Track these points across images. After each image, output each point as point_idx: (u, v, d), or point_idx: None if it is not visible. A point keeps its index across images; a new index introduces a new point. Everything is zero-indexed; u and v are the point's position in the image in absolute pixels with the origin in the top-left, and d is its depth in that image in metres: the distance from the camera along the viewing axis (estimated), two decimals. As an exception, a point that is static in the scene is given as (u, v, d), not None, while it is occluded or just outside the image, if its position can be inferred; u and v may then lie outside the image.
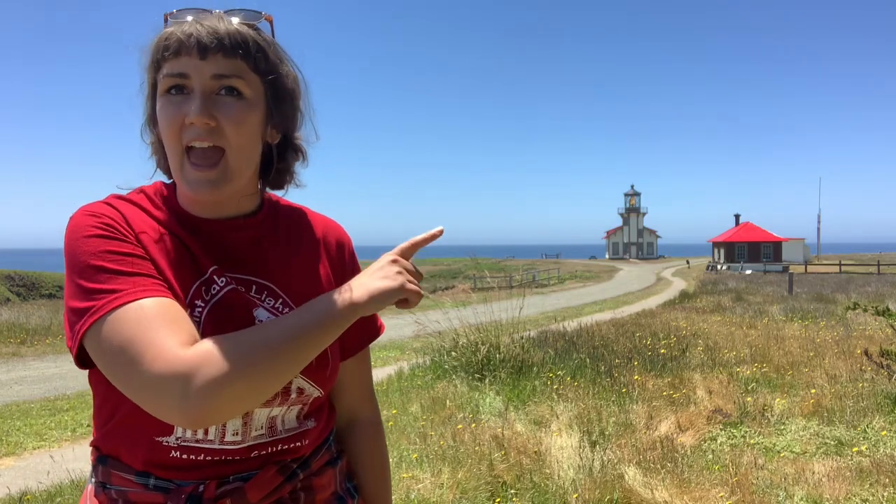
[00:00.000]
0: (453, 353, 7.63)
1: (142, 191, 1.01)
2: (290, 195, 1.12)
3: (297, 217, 1.11)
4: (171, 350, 0.79)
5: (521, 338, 8.13)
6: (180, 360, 0.78)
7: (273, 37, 0.99)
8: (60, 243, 0.94)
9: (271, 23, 0.99)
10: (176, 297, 0.90)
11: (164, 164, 1.02)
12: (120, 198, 0.98)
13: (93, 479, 0.99)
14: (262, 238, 1.04)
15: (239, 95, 0.93)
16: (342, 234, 1.14)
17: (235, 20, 0.94)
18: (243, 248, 1.01)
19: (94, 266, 0.86)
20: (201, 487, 0.93)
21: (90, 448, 1.01)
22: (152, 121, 0.99)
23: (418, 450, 4.54)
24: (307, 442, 1.03)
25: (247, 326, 0.88)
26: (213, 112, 0.91)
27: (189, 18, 0.93)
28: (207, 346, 0.80)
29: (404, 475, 4.01)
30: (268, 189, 1.09)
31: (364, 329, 1.14)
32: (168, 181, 1.04)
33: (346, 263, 1.12)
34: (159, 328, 0.81)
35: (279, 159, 1.04)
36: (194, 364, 0.78)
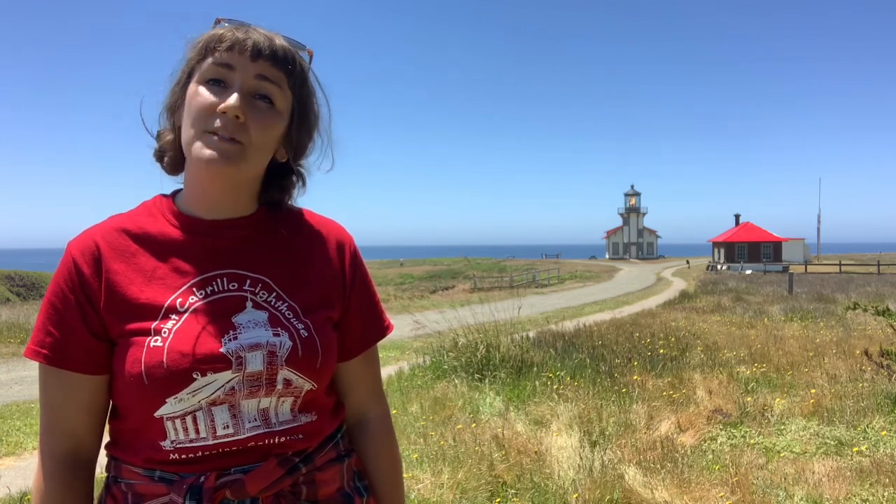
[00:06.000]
0: (453, 354, 7.63)
1: (143, 204, 1.08)
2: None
3: (296, 217, 1.13)
4: (39, 462, 1.02)
5: (521, 338, 8.13)
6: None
7: (310, 67, 1.06)
8: (60, 243, 1.05)
9: (311, 57, 1.06)
10: (147, 307, 0.98)
11: (171, 157, 1.07)
12: (107, 225, 1.04)
13: (107, 474, 1.05)
14: (258, 235, 1.08)
15: (272, 104, 1.00)
16: (342, 234, 1.16)
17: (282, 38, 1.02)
18: (239, 244, 1.06)
19: (43, 308, 1.02)
20: (202, 478, 0.96)
21: (104, 448, 1.08)
22: (174, 108, 1.04)
23: (418, 450, 4.54)
24: (305, 436, 1.04)
25: (222, 335, 0.97)
26: (245, 109, 0.97)
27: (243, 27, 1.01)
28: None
29: (405, 475, 4.00)
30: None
31: (369, 328, 1.16)
32: (167, 193, 1.10)
33: (346, 262, 1.14)
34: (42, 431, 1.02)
35: (282, 179, 1.10)
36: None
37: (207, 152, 0.97)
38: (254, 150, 0.99)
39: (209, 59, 0.99)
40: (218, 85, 0.98)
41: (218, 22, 1.02)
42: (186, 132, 0.99)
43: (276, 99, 1.00)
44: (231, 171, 0.99)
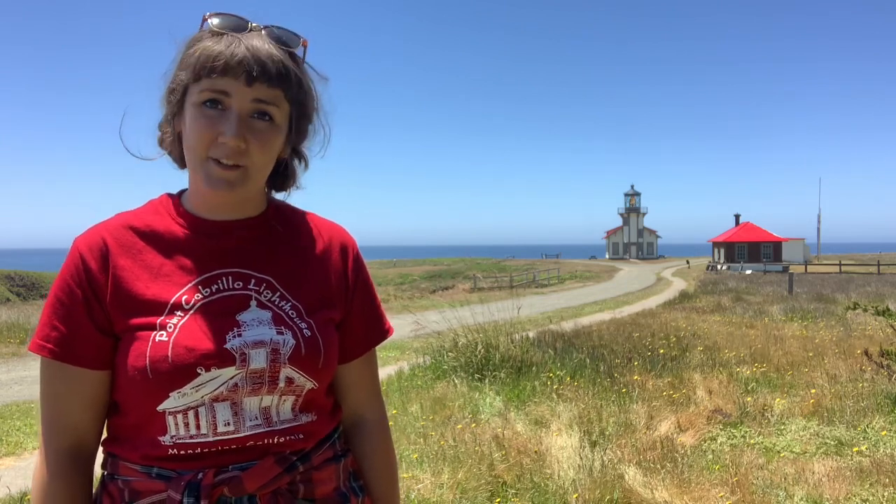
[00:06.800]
0: (453, 354, 7.63)
1: (150, 203, 1.09)
2: (297, 199, 1.18)
3: (300, 220, 1.15)
4: (40, 456, 1.01)
5: (521, 338, 8.14)
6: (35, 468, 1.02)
7: (304, 59, 1.04)
8: (60, 243, 1.02)
9: (305, 48, 1.04)
10: (153, 303, 0.99)
11: (177, 152, 1.07)
12: (115, 222, 1.05)
13: (103, 471, 1.05)
14: (264, 236, 1.09)
15: (270, 120, 1.00)
16: (346, 237, 1.17)
17: (275, 42, 0.99)
18: (245, 245, 1.07)
19: (49, 303, 1.01)
20: (200, 475, 0.97)
21: (100, 445, 1.08)
22: (172, 116, 1.04)
23: (418, 450, 4.54)
24: (305, 436, 1.05)
25: (227, 331, 0.99)
26: (245, 134, 0.97)
27: (234, 34, 0.97)
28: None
29: (404, 475, 4.01)
30: (273, 192, 1.15)
31: (370, 330, 1.18)
32: (174, 192, 1.11)
33: (349, 265, 1.15)
34: (44, 431, 1.01)
35: (286, 166, 1.12)
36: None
37: (212, 180, 0.98)
38: (257, 168, 1.01)
39: (202, 84, 0.97)
40: (215, 107, 0.97)
41: (205, 19, 1.00)
42: (189, 155, 1.00)
43: (275, 115, 1.00)
44: (237, 194, 1.01)
